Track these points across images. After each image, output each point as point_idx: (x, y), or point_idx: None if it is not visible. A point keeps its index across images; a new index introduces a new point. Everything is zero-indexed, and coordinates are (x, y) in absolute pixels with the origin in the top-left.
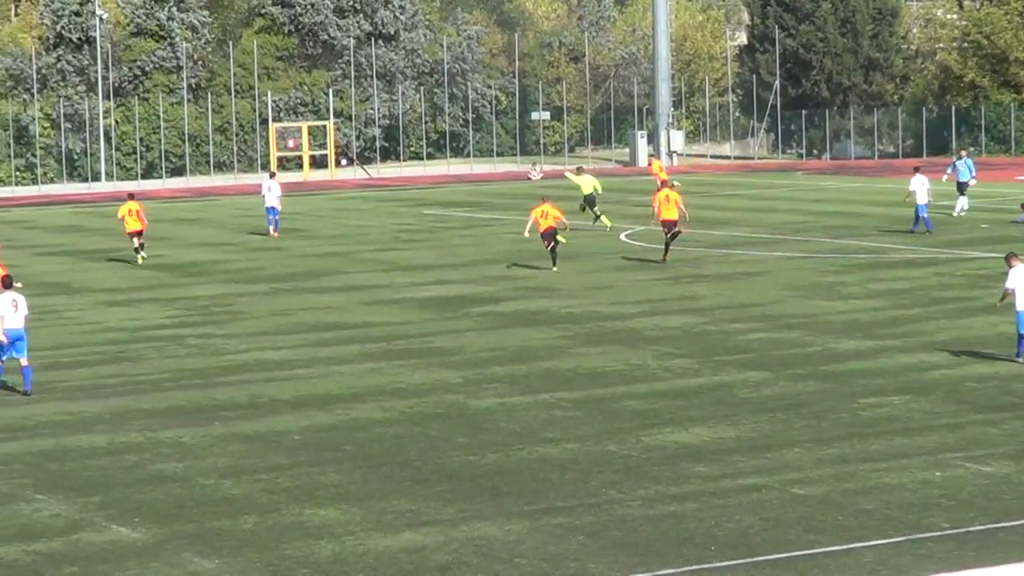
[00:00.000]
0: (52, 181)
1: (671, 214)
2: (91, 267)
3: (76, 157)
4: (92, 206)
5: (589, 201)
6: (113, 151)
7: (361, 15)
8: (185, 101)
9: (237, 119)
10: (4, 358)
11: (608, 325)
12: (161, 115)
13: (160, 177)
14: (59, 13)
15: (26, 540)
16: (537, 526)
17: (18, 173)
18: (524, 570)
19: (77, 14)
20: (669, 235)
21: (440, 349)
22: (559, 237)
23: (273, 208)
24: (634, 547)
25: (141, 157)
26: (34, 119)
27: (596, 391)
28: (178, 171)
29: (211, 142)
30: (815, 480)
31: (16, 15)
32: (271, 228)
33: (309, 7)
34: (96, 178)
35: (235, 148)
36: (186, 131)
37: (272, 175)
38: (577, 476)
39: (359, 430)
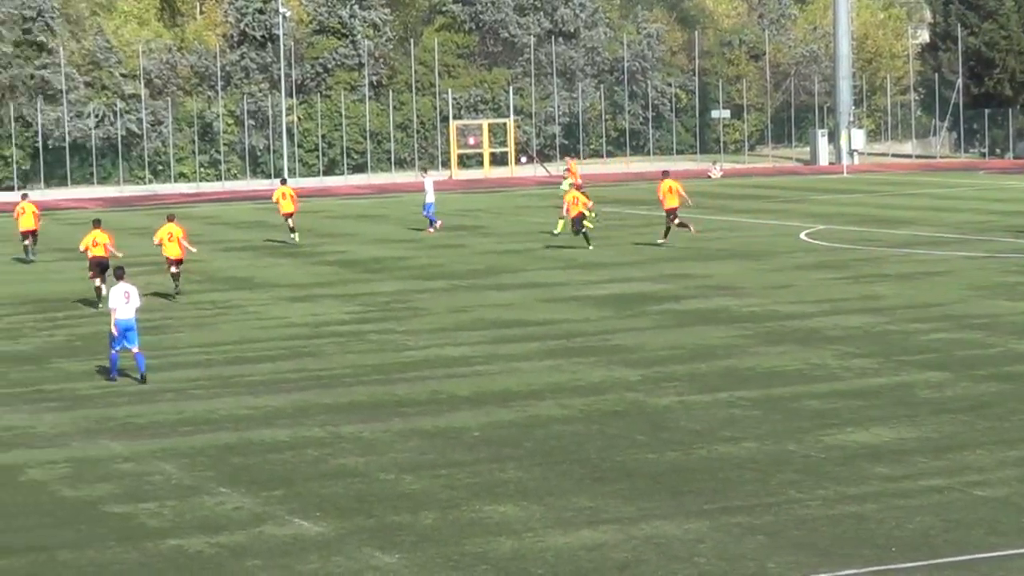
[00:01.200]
0: (236, 177)
1: (673, 202)
2: (274, 263)
3: (259, 154)
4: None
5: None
6: (295, 148)
7: (541, 13)
8: (367, 98)
9: (418, 116)
10: (116, 348)
11: (788, 324)
12: (343, 112)
13: (342, 174)
14: (243, 11)
15: (209, 532)
16: (716, 525)
17: (202, 169)
18: (703, 569)
19: (261, 12)
20: (674, 222)
21: (619, 347)
22: (586, 222)
23: (429, 204)
24: (814, 547)
25: (323, 154)
26: (218, 116)
27: (775, 390)
28: (359, 168)
29: (392, 139)
30: (998, 482)
31: (201, 13)
32: (433, 223)
33: (489, 5)
34: (279, 174)
35: (416, 145)
36: (367, 128)
37: (424, 171)
38: (756, 475)
39: (538, 427)
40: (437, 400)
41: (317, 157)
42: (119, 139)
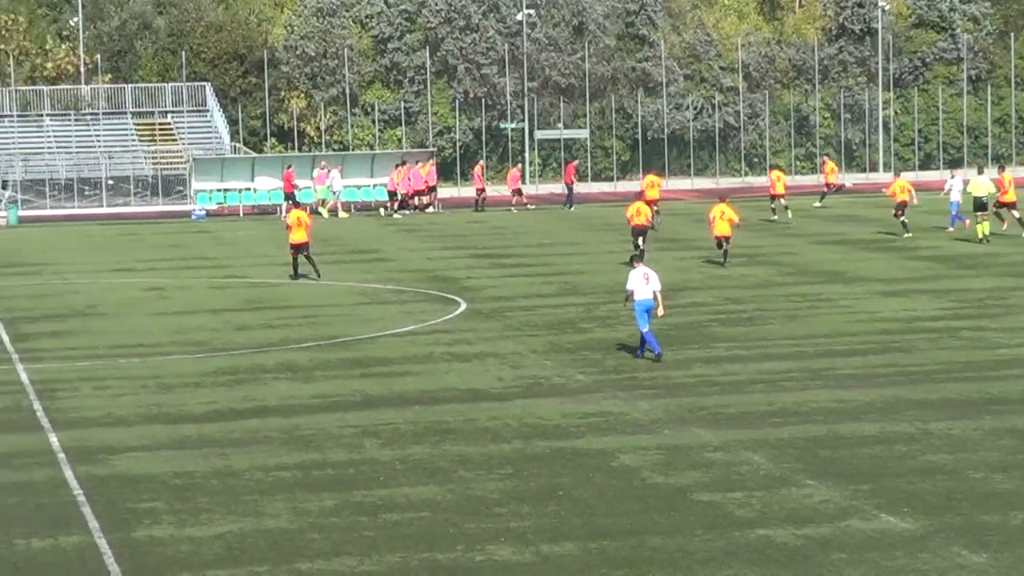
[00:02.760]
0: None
1: (723, 230)
2: (867, 257)
3: (855, 147)
4: (868, 196)
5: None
6: (891, 142)
7: None
8: (964, 93)
9: (1016, 111)
10: (646, 327)
11: None
12: (940, 106)
13: (936, 168)
14: (842, 5)
15: (796, 524)
16: None
17: (798, 162)
18: None
19: (860, 5)
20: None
21: None
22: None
23: (955, 203)
24: None
25: (919, 148)
26: (815, 109)
27: None
28: (955, 163)
29: (989, 134)
30: None
31: (800, 6)
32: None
33: None
34: (873, 168)
35: (1014, 140)
36: (964, 123)
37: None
38: None
39: None
40: None
41: (913, 152)
42: (716, 131)
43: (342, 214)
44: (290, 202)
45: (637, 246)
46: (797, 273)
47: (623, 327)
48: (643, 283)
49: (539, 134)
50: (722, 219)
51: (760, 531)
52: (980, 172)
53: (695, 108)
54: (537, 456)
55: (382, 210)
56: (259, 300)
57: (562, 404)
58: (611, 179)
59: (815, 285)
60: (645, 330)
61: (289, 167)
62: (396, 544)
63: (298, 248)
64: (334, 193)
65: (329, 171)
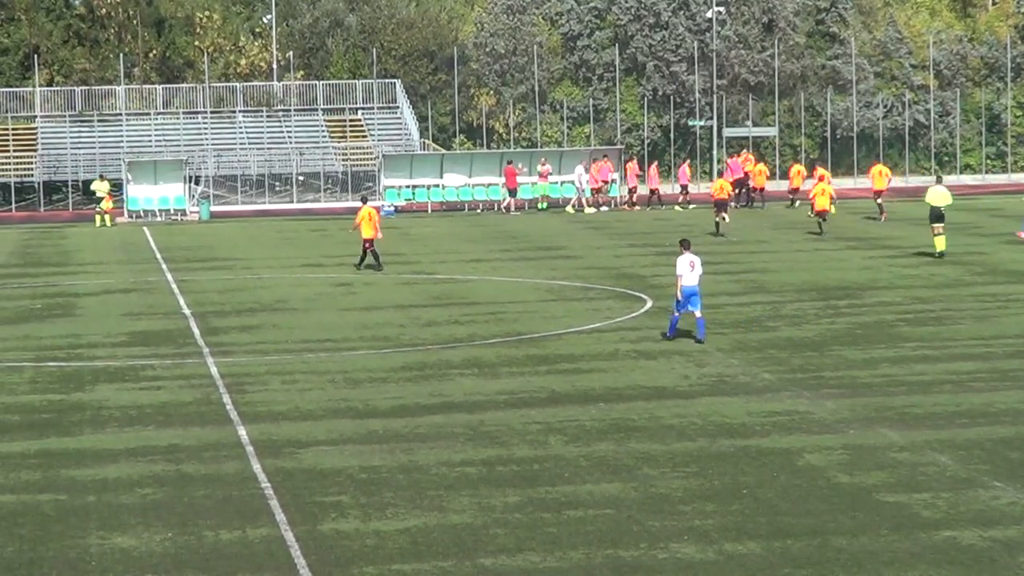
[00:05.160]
0: (1022, 170)
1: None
2: None
3: None
4: None
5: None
6: None
7: None
8: None
9: None
10: (680, 311)
11: None
12: None
13: None
14: None
15: (983, 526)
16: None
17: (988, 161)
18: None
19: None
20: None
21: None
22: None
23: None
24: None
25: None
26: (1006, 108)
27: None
28: None
29: None
30: None
31: (993, 3)
32: None
33: None
34: None
35: None
36: None
37: None
38: None
39: None
40: None
41: None
42: (906, 129)
43: (588, 210)
44: (510, 198)
45: (718, 223)
46: (987, 272)
47: (809, 325)
48: (688, 269)
49: (727, 132)
50: (823, 195)
51: (946, 532)
52: (939, 181)
53: (885, 106)
54: (722, 454)
55: (570, 207)
56: (446, 296)
57: (747, 402)
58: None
59: (1005, 285)
60: (679, 314)
61: (510, 163)
62: (579, 541)
63: (370, 242)
64: (580, 190)
65: (581, 166)
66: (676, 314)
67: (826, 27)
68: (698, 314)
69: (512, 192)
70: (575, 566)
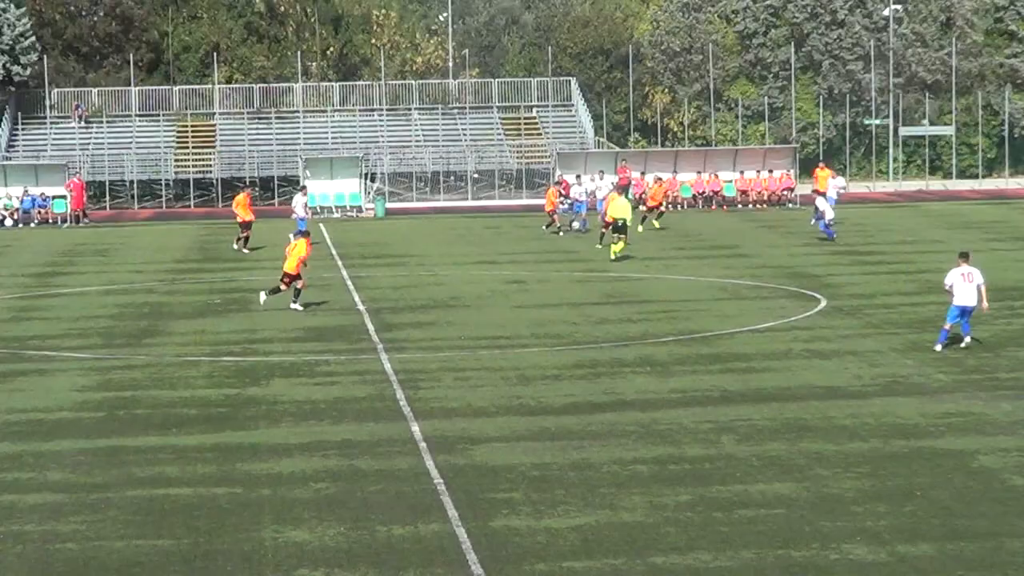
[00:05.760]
0: None
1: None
2: None
3: None
4: None
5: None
6: None
7: None
8: None
9: None
10: (950, 323)
11: None
12: None
13: None
14: None
15: None
16: None
17: None
18: None
19: None
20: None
21: None
22: None
23: None
24: None
25: None
26: None
27: None
28: None
29: None
30: None
31: None
32: None
33: None
34: None
35: None
36: None
37: None
38: None
39: None
40: None
41: None
42: None
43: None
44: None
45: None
46: None
47: (983, 327)
48: (962, 281)
49: (904, 131)
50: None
51: None
52: None
53: None
54: (895, 455)
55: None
56: (619, 294)
57: (921, 403)
58: (976, 176)
59: None
60: (948, 326)
61: (624, 162)
62: (750, 540)
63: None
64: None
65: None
66: (946, 327)
67: (1005, 25)
68: (967, 339)
69: (623, 190)
70: (746, 566)
